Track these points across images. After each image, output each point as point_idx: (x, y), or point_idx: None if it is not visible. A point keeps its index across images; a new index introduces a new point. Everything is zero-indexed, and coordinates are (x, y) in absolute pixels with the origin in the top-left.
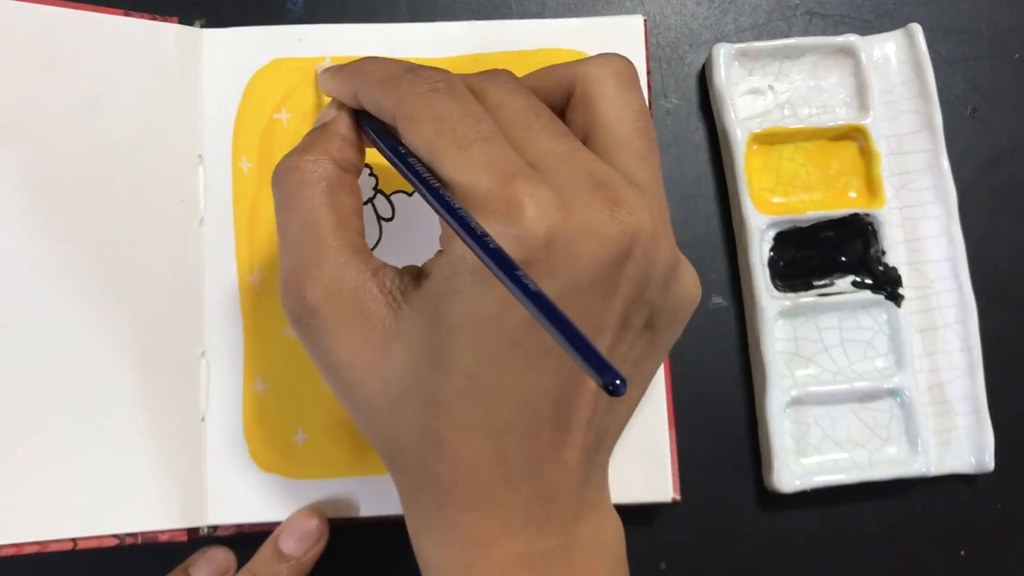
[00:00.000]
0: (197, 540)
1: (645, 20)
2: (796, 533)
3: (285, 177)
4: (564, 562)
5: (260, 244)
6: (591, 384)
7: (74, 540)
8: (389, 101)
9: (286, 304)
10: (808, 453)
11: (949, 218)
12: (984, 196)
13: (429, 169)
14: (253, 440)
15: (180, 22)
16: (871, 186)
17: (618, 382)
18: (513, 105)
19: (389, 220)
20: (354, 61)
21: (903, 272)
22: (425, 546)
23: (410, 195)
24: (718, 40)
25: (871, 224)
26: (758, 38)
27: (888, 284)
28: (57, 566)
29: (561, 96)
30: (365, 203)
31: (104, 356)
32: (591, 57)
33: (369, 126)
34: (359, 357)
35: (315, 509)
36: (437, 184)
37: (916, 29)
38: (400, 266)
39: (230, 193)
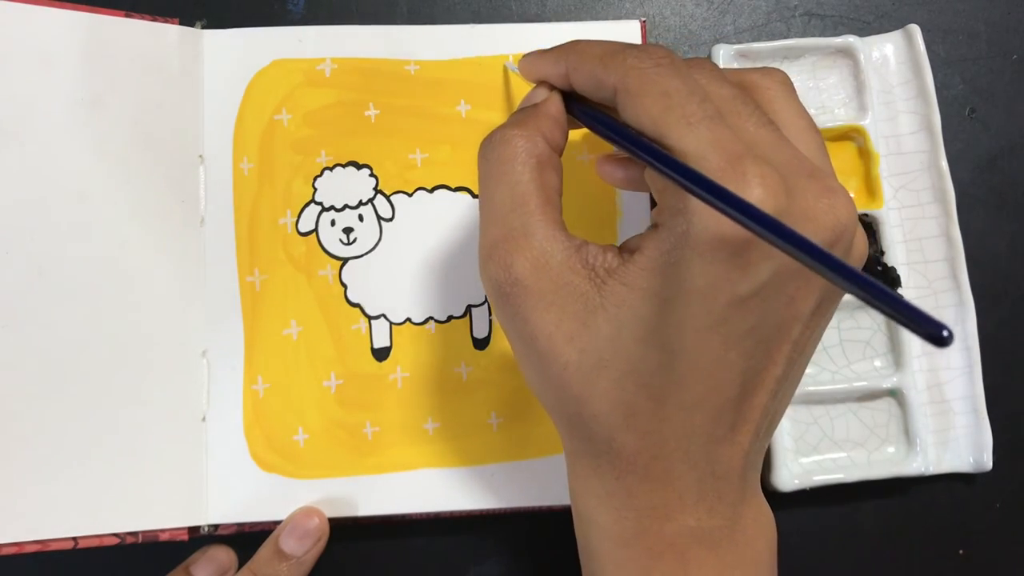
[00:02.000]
0: (198, 539)
1: (643, 23)
2: (795, 532)
3: (498, 148)
4: (729, 541)
5: (260, 244)
6: (775, 369)
7: (75, 539)
8: (612, 76)
9: (489, 272)
10: (807, 452)
11: (947, 218)
12: (982, 196)
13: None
14: (253, 440)
15: (181, 23)
16: (870, 186)
17: (946, 333)
18: (720, 91)
19: (389, 220)
20: (562, 44)
21: (902, 272)
22: (596, 511)
23: (410, 195)
24: (717, 41)
25: (870, 224)
26: (757, 39)
27: (887, 284)
28: (58, 565)
29: None
30: (365, 203)
31: (104, 356)
32: (752, 69)
33: (578, 107)
34: (558, 328)
35: (315, 508)
36: (671, 156)
37: (915, 30)
38: (402, 265)
39: (231, 193)
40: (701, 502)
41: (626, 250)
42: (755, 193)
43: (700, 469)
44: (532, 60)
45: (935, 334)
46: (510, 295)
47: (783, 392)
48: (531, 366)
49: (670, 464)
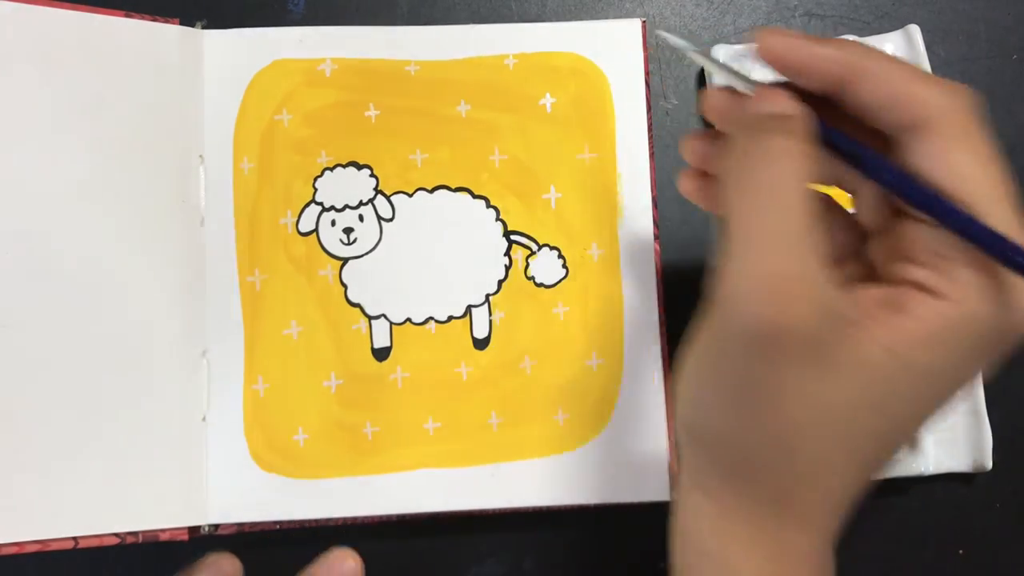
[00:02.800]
0: (198, 539)
1: (644, 22)
2: None
3: (770, 163)
4: (828, 568)
5: (261, 244)
6: (907, 440)
7: (75, 539)
8: (926, 108)
9: (752, 306)
10: None
11: None
12: None
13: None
14: (253, 440)
15: (181, 23)
16: None
17: None
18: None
19: (389, 220)
20: (840, 39)
21: None
22: (737, 556)
23: (410, 196)
24: (717, 41)
25: None
26: None
27: None
28: (58, 565)
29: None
30: (365, 203)
31: (104, 356)
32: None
33: (841, 136)
34: (798, 383)
35: (349, 550)
36: (1009, 239)
37: (915, 30)
38: (402, 265)
39: (231, 193)
40: (827, 544)
41: (874, 303)
42: None
43: (836, 521)
44: (792, 42)
45: None
46: (771, 339)
47: None
48: (736, 409)
49: (822, 516)
